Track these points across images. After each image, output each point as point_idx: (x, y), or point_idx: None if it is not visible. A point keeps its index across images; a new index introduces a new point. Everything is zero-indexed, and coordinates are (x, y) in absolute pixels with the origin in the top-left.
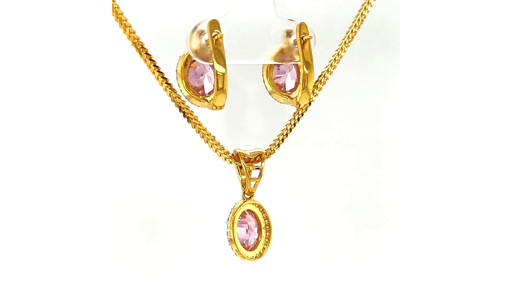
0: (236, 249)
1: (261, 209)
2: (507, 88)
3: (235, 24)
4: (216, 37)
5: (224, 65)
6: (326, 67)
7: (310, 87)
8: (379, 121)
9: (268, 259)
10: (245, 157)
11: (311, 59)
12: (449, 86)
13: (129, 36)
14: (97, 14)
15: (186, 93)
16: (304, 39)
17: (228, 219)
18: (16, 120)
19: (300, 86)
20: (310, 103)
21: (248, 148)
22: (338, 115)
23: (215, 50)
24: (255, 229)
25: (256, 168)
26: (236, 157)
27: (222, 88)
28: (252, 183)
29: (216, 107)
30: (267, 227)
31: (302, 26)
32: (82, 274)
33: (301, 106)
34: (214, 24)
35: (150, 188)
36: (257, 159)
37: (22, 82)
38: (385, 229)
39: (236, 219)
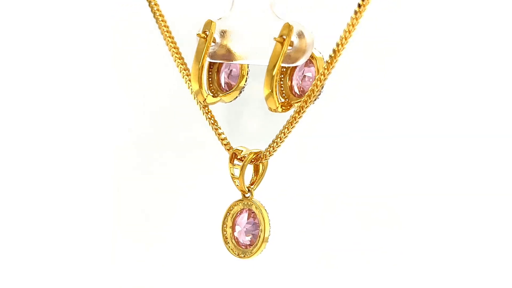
0: (225, 246)
1: (258, 209)
2: (506, 89)
3: (231, 25)
4: (199, 37)
5: (197, 64)
6: (318, 77)
7: (266, 91)
8: (379, 119)
9: (268, 259)
10: (235, 155)
11: (275, 62)
12: (448, 84)
13: (162, 29)
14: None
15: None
16: (276, 40)
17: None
18: (18, 116)
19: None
20: (304, 106)
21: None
22: (337, 113)
23: (196, 49)
24: (251, 228)
25: (237, 167)
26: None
27: (199, 86)
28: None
29: (199, 102)
30: (263, 226)
31: (283, 27)
32: (82, 270)
33: (278, 111)
34: (206, 25)
35: (153, 186)
36: (240, 158)
37: (23, 82)
38: (385, 229)
39: (228, 217)
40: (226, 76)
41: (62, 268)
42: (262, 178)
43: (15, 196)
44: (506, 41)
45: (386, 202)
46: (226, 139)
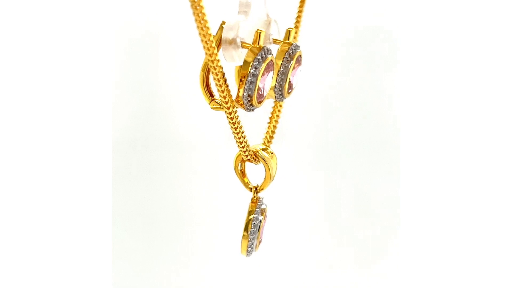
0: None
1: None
2: (506, 89)
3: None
4: None
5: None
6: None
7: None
8: (380, 119)
9: (271, 260)
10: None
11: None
12: (448, 86)
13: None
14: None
15: None
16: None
17: None
18: (17, 116)
19: None
20: (277, 104)
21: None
22: (336, 113)
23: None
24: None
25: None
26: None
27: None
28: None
29: None
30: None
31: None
32: (81, 270)
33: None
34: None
35: (152, 186)
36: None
37: (24, 81)
38: (385, 229)
39: (247, 214)
40: None
41: (61, 268)
42: (267, 179)
43: (13, 196)
44: (500, 31)
45: (386, 201)
46: (245, 137)
